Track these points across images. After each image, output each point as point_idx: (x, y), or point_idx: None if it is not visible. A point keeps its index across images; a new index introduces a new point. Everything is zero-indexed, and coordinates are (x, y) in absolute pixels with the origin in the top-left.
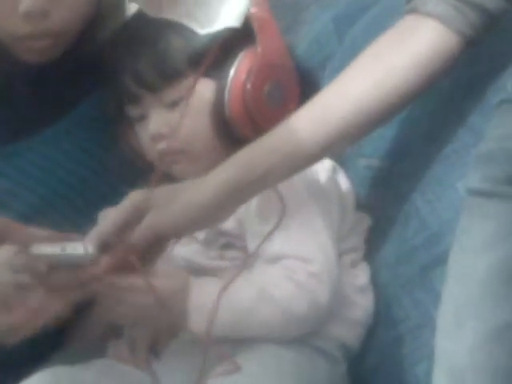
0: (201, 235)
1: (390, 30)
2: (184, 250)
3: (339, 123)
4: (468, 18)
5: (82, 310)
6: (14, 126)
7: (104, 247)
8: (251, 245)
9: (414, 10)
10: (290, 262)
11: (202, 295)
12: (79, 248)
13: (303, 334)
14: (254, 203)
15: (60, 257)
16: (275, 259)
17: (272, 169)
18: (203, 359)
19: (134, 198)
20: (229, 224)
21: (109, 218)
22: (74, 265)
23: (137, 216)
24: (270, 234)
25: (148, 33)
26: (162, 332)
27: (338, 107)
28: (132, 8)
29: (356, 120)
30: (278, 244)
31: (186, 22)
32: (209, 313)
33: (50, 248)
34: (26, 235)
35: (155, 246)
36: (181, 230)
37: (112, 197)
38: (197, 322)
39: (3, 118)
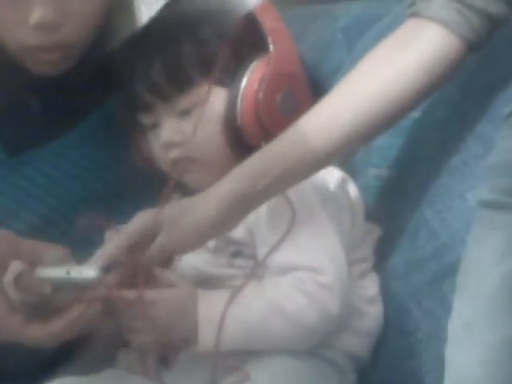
0: (210, 243)
1: (392, 35)
2: (193, 259)
3: (346, 127)
4: (471, 23)
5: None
6: (25, 136)
7: (109, 268)
8: (261, 253)
9: (416, 14)
10: (301, 273)
11: (211, 308)
12: (84, 271)
13: (313, 345)
14: (264, 212)
15: (64, 280)
16: (286, 270)
17: (276, 180)
18: (213, 371)
19: (141, 219)
20: (238, 232)
21: (115, 240)
22: (78, 287)
23: (145, 238)
24: (280, 242)
25: (160, 41)
26: (172, 342)
27: (343, 115)
28: (143, 17)
29: (360, 126)
30: (289, 254)
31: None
32: (217, 326)
33: (55, 271)
34: (33, 252)
35: (164, 263)
36: (190, 249)
37: (122, 207)
38: (206, 335)
39: (14, 129)
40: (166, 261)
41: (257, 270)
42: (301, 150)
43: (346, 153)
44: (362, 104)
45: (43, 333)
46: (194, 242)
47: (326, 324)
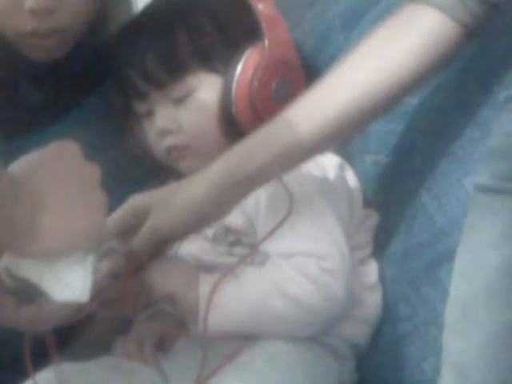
0: (209, 232)
1: (389, 20)
2: (192, 247)
3: (337, 113)
4: (468, 8)
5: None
6: (20, 123)
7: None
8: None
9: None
10: (304, 259)
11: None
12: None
13: (317, 332)
14: (263, 200)
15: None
16: (288, 257)
17: (263, 166)
18: (203, 354)
19: (130, 204)
20: (238, 221)
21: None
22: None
23: (136, 221)
24: (277, 228)
25: (155, 28)
26: (169, 328)
27: (336, 97)
28: (139, 4)
29: (350, 113)
30: (290, 241)
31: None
32: (224, 309)
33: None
34: None
35: (157, 249)
36: (181, 231)
37: (118, 194)
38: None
39: (9, 115)
40: (159, 247)
41: (253, 253)
42: (287, 137)
43: (337, 139)
44: (355, 90)
45: (35, 317)
46: (184, 223)
47: (331, 309)
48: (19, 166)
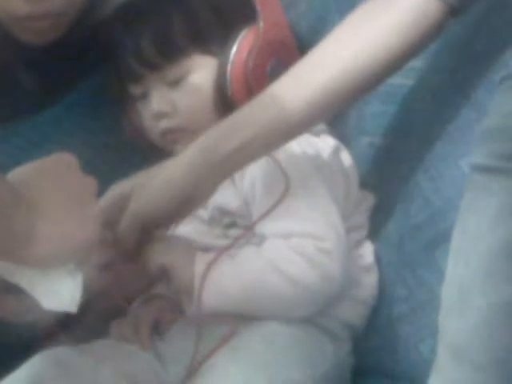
0: (205, 214)
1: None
2: (188, 229)
3: (318, 94)
4: None
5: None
6: (15, 106)
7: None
8: (257, 224)
9: None
10: (300, 239)
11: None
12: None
13: (313, 313)
14: (258, 181)
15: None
16: (284, 237)
17: (247, 141)
18: (197, 335)
19: (113, 191)
20: (233, 203)
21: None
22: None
23: (120, 209)
24: (272, 209)
25: (149, 11)
26: (165, 312)
27: (320, 72)
28: None
29: (336, 88)
30: (286, 222)
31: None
32: (219, 285)
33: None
34: None
35: (144, 234)
36: (163, 213)
37: (114, 177)
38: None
39: (4, 100)
40: (146, 233)
41: (248, 233)
42: (272, 112)
43: (320, 117)
44: (337, 65)
45: (19, 306)
46: (164, 204)
47: (326, 288)
48: (17, 174)
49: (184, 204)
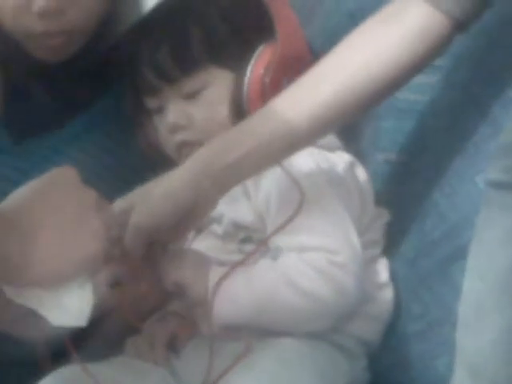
0: (220, 229)
1: (378, 13)
2: (202, 245)
3: (324, 106)
4: (459, 1)
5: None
6: (30, 124)
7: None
8: (272, 238)
9: None
10: (315, 253)
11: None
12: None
13: (328, 328)
14: (273, 196)
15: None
16: (299, 251)
17: (249, 152)
18: (210, 352)
19: (117, 206)
20: (248, 217)
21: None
22: None
23: (124, 223)
24: (287, 223)
25: (166, 24)
26: (181, 328)
27: (322, 88)
28: (150, 2)
29: (339, 101)
30: (302, 236)
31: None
32: (232, 297)
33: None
34: None
35: (151, 247)
36: (165, 224)
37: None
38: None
39: (20, 117)
40: (152, 246)
41: (263, 246)
42: (274, 124)
43: (325, 130)
44: (342, 78)
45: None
46: (166, 214)
47: (341, 303)
48: (12, 199)
49: (186, 215)
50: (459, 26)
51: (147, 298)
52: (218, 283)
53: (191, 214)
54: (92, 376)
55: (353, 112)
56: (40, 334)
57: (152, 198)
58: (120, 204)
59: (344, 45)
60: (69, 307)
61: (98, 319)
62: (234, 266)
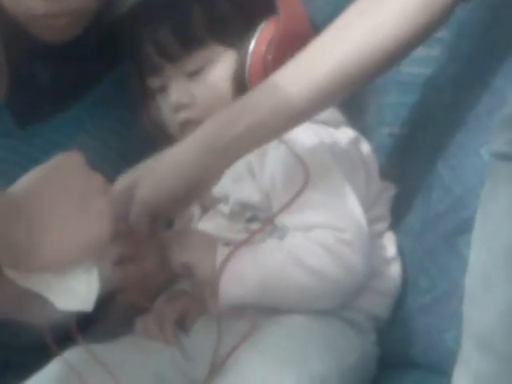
0: (226, 209)
1: None
2: (209, 225)
3: (324, 79)
4: None
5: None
6: (35, 107)
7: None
8: (278, 217)
9: None
10: (321, 231)
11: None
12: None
13: (336, 305)
14: (278, 174)
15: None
16: (306, 229)
17: (252, 125)
18: (218, 327)
19: (121, 181)
20: (254, 197)
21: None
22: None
23: (130, 199)
24: (292, 201)
25: (168, 3)
26: (190, 307)
27: (322, 60)
28: None
29: (341, 73)
30: (308, 214)
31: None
32: (240, 276)
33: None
34: None
35: (156, 221)
36: (171, 198)
37: None
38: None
39: (24, 100)
40: (158, 222)
41: (269, 224)
42: (275, 97)
43: (326, 102)
44: (342, 51)
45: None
46: (171, 188)
47: (349, 280)
48: (19, 185)
49: (191, 188)
50: None
51: (154, 276)
52: (224, 262)
53: (195, 188)
54: (97, 358)
55: (353, 84)
56: (44, 318)
57: (157, 173)
58: (123, 181)
59: (343, 18)
60: (75, 292)
61: (105, 299)
62: (239, 244)
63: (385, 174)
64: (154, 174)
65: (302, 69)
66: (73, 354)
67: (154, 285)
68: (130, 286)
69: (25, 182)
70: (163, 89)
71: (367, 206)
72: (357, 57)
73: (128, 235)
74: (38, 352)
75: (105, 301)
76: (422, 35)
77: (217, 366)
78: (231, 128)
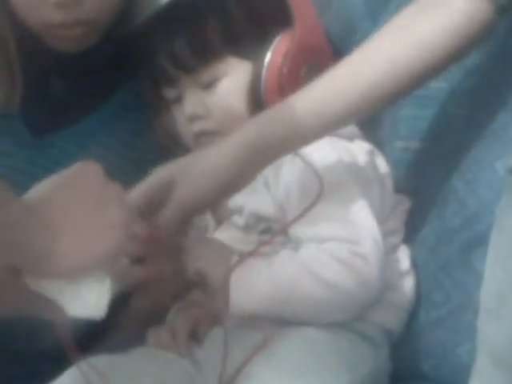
0: (241, 221)
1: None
2: (223, 236)
3: (361, 89)
4: None
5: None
6: (49, 117)
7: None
8: (292, 227)
9: None
10: (336, 244)
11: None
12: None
13: (350, 318)
14: (294, 187)
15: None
16: (320, 242)
17: (292, 131)
18: (225, 340)
19: (156, 176)
20: (269, 209)
21: (130, 198)
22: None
23: (161, 195)
24: (307, 209)
25: (184, 14)
26: (203, 318)
27: (362, 73)
28: None
29: (379, 86)
30: (323, 227)
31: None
32: (252, 286)
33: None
34: None
35: (184, 223)
36: (207, 200)
37: None
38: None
39: (39, 110)
40: (186, 221)
41: (279, 236)
42: (318, 102)
43: (361, 115)
44: (382, 65)
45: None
46: (210, 190)
47: (363, 293)
48: (35, 191)
49: (227, 189)
50: (502, 11)
51: (169, 281)
52: (231, 270)
53: (230, 190)
54: (99, 372)
55: (387, 100)
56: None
57: (197, 174)
58: (158, 174)
59: (382, 33)
60: (87, 299)
61: (119, 308)
62: (251, 252)
63: (399, 187)
64: (194, 176)
65: (340, 80)
66: (81, 368)
67: (168, 290)
68: (145, 287)
69: (41, 188)
70: (178, 100)
71: (381, 219)
72: (394, 72)
73: (150, 234)
74: (52, 361)
75: (118, 309)
76: (460, 52)
77: (225, 379)
78: (272, 128)
